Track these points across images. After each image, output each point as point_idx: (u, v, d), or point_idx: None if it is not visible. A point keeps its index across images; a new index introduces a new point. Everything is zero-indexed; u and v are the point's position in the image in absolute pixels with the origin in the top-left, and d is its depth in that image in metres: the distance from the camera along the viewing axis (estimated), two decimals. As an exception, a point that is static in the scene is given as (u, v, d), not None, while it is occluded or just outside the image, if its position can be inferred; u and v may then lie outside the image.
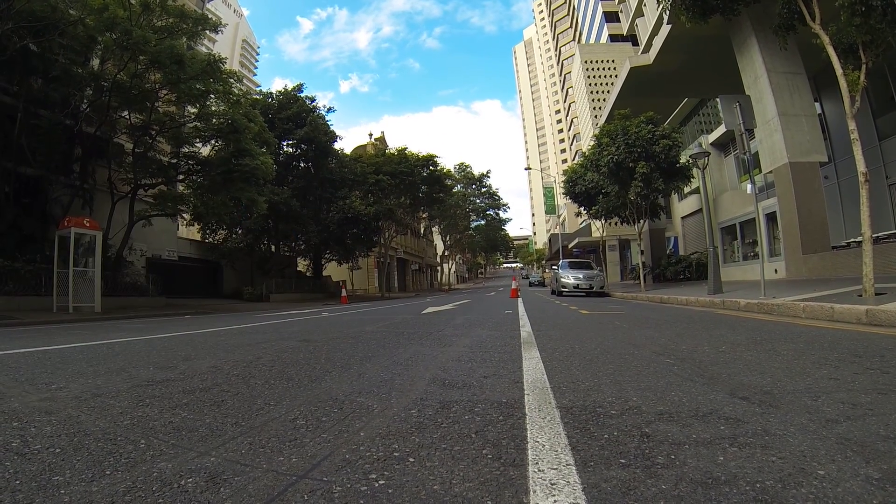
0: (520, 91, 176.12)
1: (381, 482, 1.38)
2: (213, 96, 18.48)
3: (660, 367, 3.12)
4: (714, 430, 1.76)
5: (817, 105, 17.91)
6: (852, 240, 14.98)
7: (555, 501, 1.23)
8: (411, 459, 1.56)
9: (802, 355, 3.38)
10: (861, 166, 7.51)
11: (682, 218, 29.98)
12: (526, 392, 2.47)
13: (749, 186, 10.50)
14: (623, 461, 1.50)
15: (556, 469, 1.44)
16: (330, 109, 33.40)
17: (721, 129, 23.89)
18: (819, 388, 2.36)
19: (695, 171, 18.63)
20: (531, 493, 1.29)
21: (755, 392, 2.32)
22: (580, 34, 76.12)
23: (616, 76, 34.51)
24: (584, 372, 3.02)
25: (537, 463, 1.50)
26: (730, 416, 1.93)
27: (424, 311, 11.01)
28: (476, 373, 3.10)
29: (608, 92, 44.27)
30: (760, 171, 16.58)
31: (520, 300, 15.07)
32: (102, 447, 1.74)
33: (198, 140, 20.35)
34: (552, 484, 1.34)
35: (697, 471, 1.40)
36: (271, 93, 32.36)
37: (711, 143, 24.40)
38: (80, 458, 1.63)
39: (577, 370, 3.10)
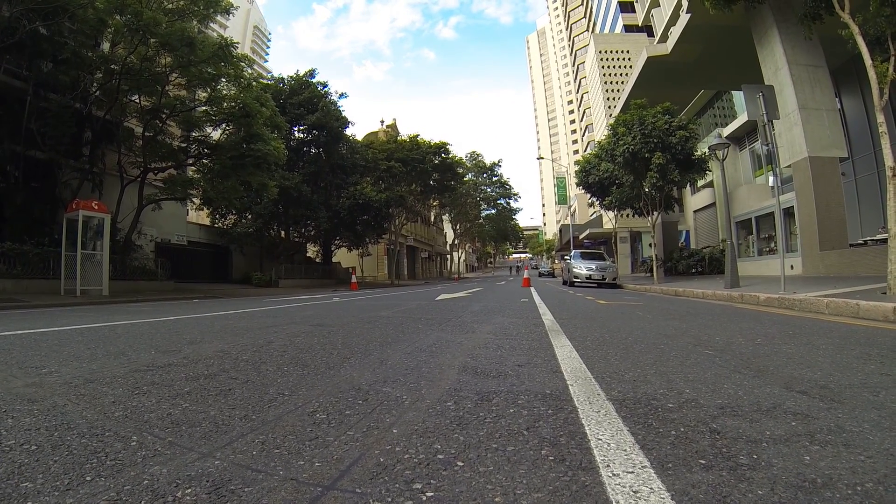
0: (532, 81, 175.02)
1: (429, 494, 1.17)
2: (223, 80, 18.28)
3: (700, 357, 3.00)
4: (786, 427, 1.63)
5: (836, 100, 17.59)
6: (869, 238, 14.73)
7: (642, 513, 1.09)
8: (460, 463, 1.35)
9: (843, 350, 3.26)
10: (889, 160, 7.31)
11: (695, 211, 29.71)
12: (569, 382, 2.34)
13: (771, 178, 10.31)
14: (703, 462, 1.35)
15: (633, 473, 1.28)
16: (342, 95, 32.87)
17: (736, 123, 23.59)
18: (875, 384, 2.26)
19: (710, 163, 18.45)
20: (613, 503, 1.12)
21: (811, 386, 2.21)
22: (594, 24, 75.34)
23: (631, 66, 34.11)
24: (623, 361, 2.90)
25: (609, 466, 1.32)
26: (796, 412, 1.81)
27: (438, 298, 10.92)
28: (508, 361, 2.98)
29: (622, 82, 43.75)
30: (778, 165, 16.30)
31: (533, 289, 14.95)
32: (86, 444, 1.51)
33: (208, 124, 20.13)
34: (634, 491, 1.17)
35: (789, 472, 1.27)
36: (283, 78, 31.89)
37: (727, 137, 24.05)
38: (57, 459, 1.40)
39: (616, 359, 2.97)
